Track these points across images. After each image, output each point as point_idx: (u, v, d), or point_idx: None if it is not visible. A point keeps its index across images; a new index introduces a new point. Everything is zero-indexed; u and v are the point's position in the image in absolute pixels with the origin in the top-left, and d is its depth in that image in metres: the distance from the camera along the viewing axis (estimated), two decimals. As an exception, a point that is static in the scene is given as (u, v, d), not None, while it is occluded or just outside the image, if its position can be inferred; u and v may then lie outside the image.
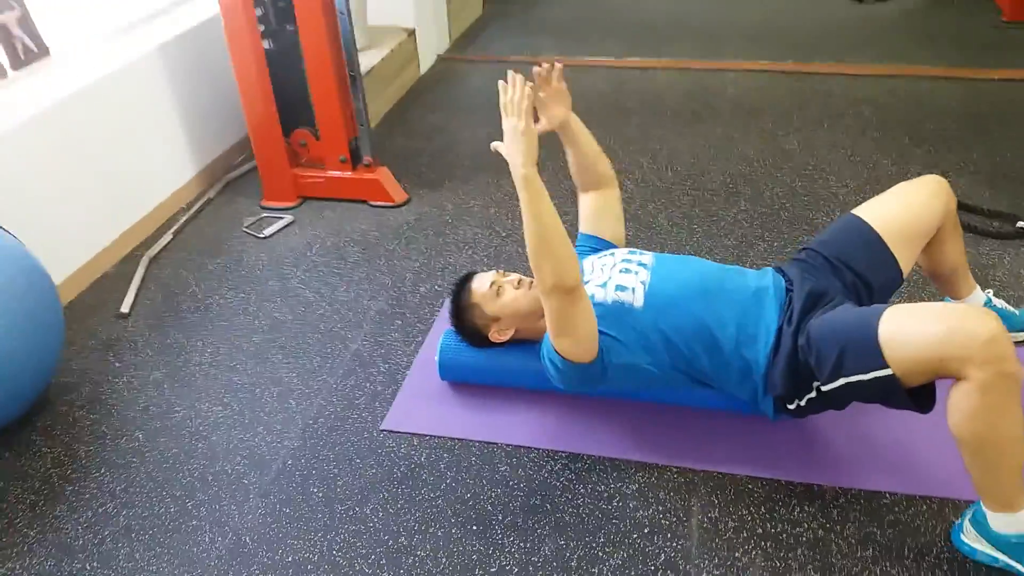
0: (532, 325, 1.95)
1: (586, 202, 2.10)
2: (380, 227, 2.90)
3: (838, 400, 1.67)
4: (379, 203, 3.02)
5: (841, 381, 1.60)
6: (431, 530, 1.75)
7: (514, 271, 2.06)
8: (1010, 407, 1.44)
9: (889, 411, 1.65)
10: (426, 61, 4.29)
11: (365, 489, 1.85)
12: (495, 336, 1.97)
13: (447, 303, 2.06)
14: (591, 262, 1.99)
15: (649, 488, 1.82)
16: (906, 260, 1.87)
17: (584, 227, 2.12)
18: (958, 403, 1.46)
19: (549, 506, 1.79)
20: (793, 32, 4.50)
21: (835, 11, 4.75)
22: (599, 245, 2.07)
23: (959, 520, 1.65)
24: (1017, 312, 2.17)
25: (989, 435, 1.46)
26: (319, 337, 2.35)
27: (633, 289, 1.80)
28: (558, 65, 1.93)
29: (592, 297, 1.79)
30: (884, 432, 1.88)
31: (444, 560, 1.68)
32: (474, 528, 1.75)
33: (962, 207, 2.71)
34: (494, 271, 2.01)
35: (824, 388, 1.65)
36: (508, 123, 1.63)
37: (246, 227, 2.92)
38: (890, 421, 1.86)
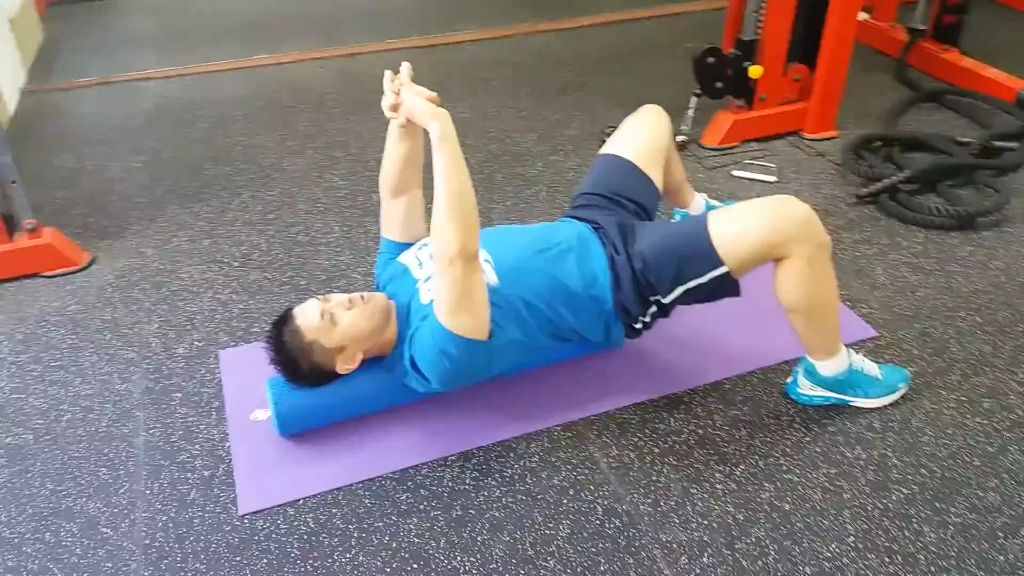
0: (377, 341, 1.79)
1: (398, 206, 1.95)
2: (77, 298, 2.37)
3: (672, 308, 1.85)
4: (57, 272, 2.46)
5: (680, 290, 1.79)
6: (371, 590, 1.55)
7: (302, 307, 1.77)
8: (829, 270, 1.76)
9: (692, 316, 1.93)
10: (11, 99, 3.53)
11: (268, 584, 1.57)
12: (344, 368, 1.77)
13: (269, 355, 1.76)
14: (411, 256, 1.91)
15: (548, 454, 1.83)
16: (657, 179, 2.11)
17: (393, 234, 1.99)
18: (789, 278, 1.73)
19: (473, 511, 1.70)
20: (400, 9, 4.63)
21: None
22: (406, 249, 1.98)
23: (790, 378, 1.96)
24: (720, 204, 2.58)
25: (817, 298, 1.76)
26: (87, 446, 1.88)
27: (483, 269, 1.76)
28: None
29: None
30: (693, 333, 2.12)
31: (406, 612, 1.51)
32: (414, 567, 1.59)
33: (629, 135, 3.13)
34: (313, 300, 1.76)
35: (664, 300, 1.82)
36: (411, 96, 1.68)
37: None
38: (693, 323, 2.08)
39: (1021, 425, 1.85)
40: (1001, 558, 1.56)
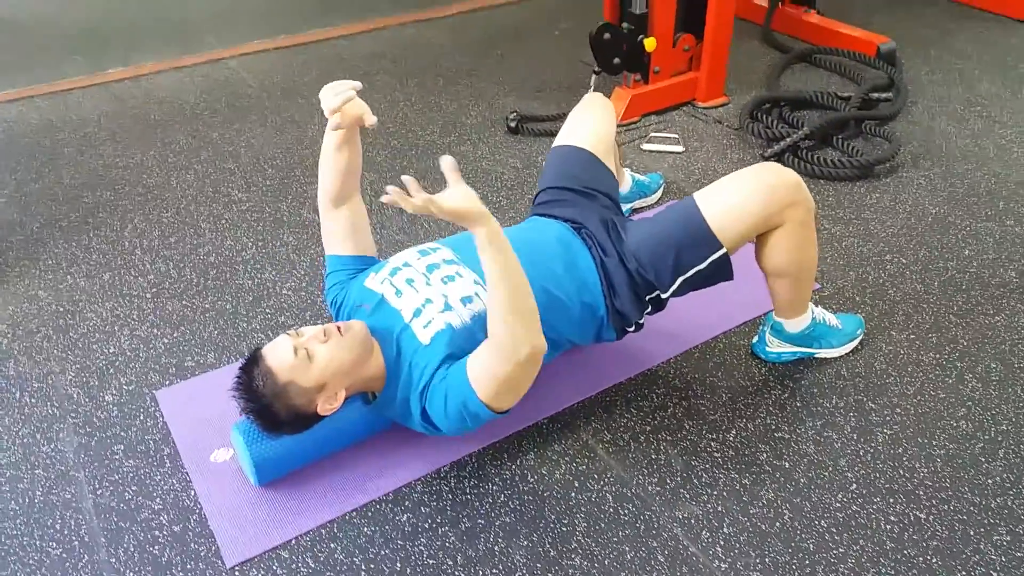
0: (360, 376, 1.58)
1: (341, 217, 1.78)
2: (-33, 356, 2.07)
3: (666, 303, 1.78)
4: (-68, 330, 2.14)
5: (679, 281, 1.72)
6: (398, 623, 1.44)
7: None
8: (814, 232, 1.77)
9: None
10: None
11: (282, 637, 1.42)
12: (326, 408, 1.55)
13: (240, 404, 1.53)
14: (383, 284, 1.70)
15: (542, 449, 1.77)
16: (612, 168, 2.04)
17: (340, 248, 1.80)
18: (782, 244, 1.72)
19: (482, 521, 1.62)
20: (254, 8, 4.38)
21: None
22: (362, 264, 1.80)
23: (756, 338, 2.00)
24: (647, 178, 2.62)
25: (806, 260, 1.79)
26: (24, 520, 1.64)
27: (476, 293, 1.64)
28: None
29: (449, 325, 1.59)
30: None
31: (443, 639, 1.42)
32: (437, 589, 1.50)
33: (532, 119, 3.10)
34: (283, 336, 1.55)
35: (664, 295, 1.75)
36: (459, 186, 1.41)
37: None
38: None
39: (969, 354, 1.98)
40: (990, 481, 1.66)
